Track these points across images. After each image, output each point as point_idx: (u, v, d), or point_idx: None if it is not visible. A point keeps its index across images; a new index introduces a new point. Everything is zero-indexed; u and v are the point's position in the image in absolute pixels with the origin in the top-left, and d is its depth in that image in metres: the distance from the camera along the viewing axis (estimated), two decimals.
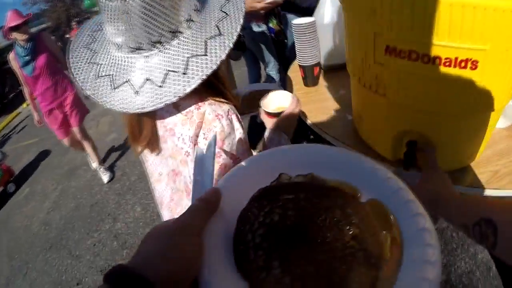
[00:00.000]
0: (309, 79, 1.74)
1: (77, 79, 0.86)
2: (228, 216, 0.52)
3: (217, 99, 0.94)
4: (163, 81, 0.81)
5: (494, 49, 0.73)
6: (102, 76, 0.85)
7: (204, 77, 0.79)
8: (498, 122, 1.20)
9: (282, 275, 0.45)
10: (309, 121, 1.46)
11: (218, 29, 0.84)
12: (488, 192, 1.02)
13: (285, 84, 4.63)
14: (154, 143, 0.97)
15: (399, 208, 0.52)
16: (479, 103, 0.86)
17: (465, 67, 0.77)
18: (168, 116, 0.94)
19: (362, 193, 0.56)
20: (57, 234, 3.50)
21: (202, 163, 0.60)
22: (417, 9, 0.75)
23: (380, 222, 0.52)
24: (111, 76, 0.85)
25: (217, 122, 0.89)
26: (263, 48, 3.48)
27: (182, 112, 0.92)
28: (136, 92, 0.82)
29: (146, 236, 0.43)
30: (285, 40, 3.31)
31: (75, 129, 3.85)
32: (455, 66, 0.78)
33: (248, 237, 0.49)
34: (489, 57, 0.74)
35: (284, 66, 4.12)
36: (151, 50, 0.82)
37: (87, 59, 0.89)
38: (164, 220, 1.08)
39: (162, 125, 0.95)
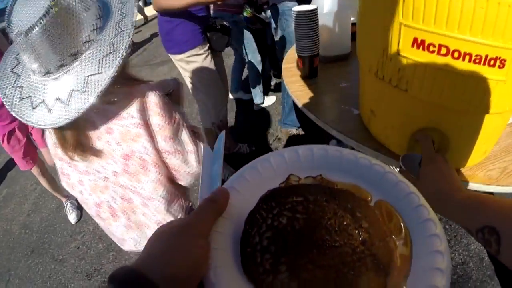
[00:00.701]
0: (309, 70, 1.71)
1: (5, 103, 1.03)
2: (235, 217, 0.53)
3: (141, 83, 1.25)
4: (68, 99, 0.99)
5: None
6: (24, 98, 1.03)
7: (99, 93, 0.98)
8: None
9: (289, 280, 0.46)
10: (312, 116, 1.44)
11: (113, 46, 1.01)
12: (498, 189, 1.05)
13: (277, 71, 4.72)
14: (79, 149, 1.17)
15: (410, 213, 0.53)
16: (504, 102, 0.87)
17: (493, 65, 0.77)
18: (103, 116, 1.16)
19: (372, 196, 0.58)
20: (38, 238, 3.43)
21: (209, 163, 0.61)
22: (453, 2, 0.74)
23: (389, 227, 0.53)
24: (30, 97, 1.02)
25: (151, 94, 1.20)
26: (239, 37, 3.63)
27: (119, 103, 1.15)
28: (50, 110, 1.00)
29: (151, 236, 0.44)
30: (269, 29, 3.41)
31: (45, 150, 3.14)
32: (484, 64, 0.78)
33: (256, 240, 0.50)
34: None
35: (269, 55, 4.23)
36: (58, 73, 0.99)
37: (13, 82, 1.06)
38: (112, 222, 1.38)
39: (100, 126, 1.17)
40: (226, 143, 2.64)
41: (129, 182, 1.28)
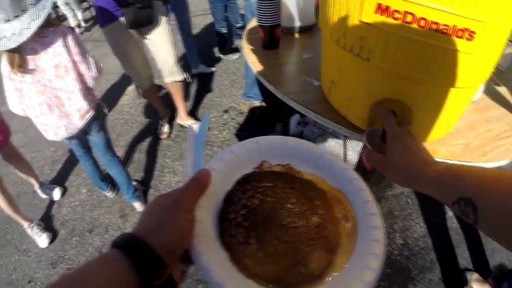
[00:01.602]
0: (270, 41, 1.69)
1: None
2: (215, 196, 0.65)
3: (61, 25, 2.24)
4: (20, 33, 1.87)
5: (493, 23, 0.75)
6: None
7: (36, 29, 1.89)
8: None
9: (257, 250, 0.60)
10: (271, 87, 1.43)
11: (44, 5, 1.94)
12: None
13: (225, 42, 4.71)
14: (23, 66, 2.04)
15: (360, 207, 0.69)
16: (471, 76, 0.88)
17: (461, 36, 0.77)
18: (41, 44, 2.08)
19: (331, 186, 0.73)
20: (0, 228, 3.36)
21: (194, 144, 0.72)
22: None
23: (342, 214, 0.68)
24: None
25: (68, 30, 2.19)
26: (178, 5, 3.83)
27: (50, 36, 2.10)
28: (8, 40, 1.86)
29: (146, 208, 0.55)
30: None
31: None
32: (451, 35, 0.78)
33: (232, 216, 0.64)
34: (486, 30, 0.76)
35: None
36: (14, 20, 1.86)
37: None
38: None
39: (39, 51, 2.09)
40: (159, 111, 3.36)
41: (58, 83, 2.20)
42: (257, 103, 3.90)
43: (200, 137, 0.72)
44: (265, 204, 0.66)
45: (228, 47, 5.24)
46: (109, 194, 3.20)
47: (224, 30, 4.81)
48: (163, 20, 2.96)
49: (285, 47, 1.74)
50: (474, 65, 0.85)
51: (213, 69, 4.76)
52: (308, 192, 0.71)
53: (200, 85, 4.51)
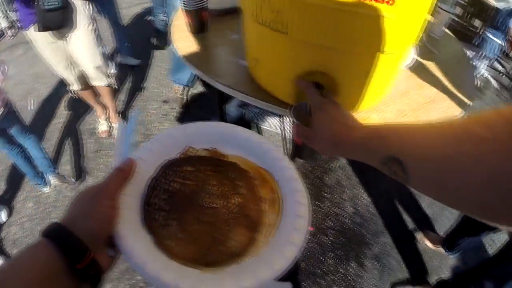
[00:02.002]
0: (196, 25, 1.65)
1: None
2: (140, 182, 0.69)
3: None
4: None
5: None
6: None
7: None
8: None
9: (178, 232, 0.64)
10: (197, 71, 1.40)
11: None
12: None
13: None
14: None
15: (285, 184, 0.74)
16: (395, 42, 0.87)
17: (381, 1, 0.76)
18: None
19: (258, 167, 0.78)
20: None
21: (123, 135, 0.75)
22: None
23: (265, 193, 0.73)
24: None
25: None
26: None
27: None
28: None
29: (73, 200, 0.58)
30: None
31: None
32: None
33: (155, 201, 0.67)
34: None
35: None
36: None
37: None
38: None
39: None
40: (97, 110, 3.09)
41: None
42: (180, 88, 3.90)
43: (129, 132, 0.75)
44: (185, 188, 0.70)
45: (166, 37, 5.18)
46: (46, 189, 3.11)
47: (162, 19, 4.75)
48: (83, 22, 2.70)
49: (213, 30, 1.72)
50: (397, 31, 0.85)
51: (139, 61, 4.67)
52: (231, 173, 0.75)
53: (138, 77, 4.43)
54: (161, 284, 0.55)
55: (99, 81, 3.08)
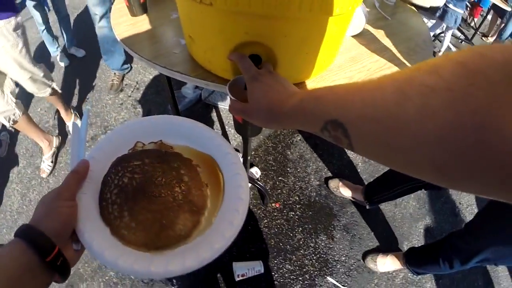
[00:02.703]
0: (135, 7, 1.62)
1: None
2: (96, 180, 0.78)
3: None
4: None
5: None
6: None
7: None
8: (350, 30, 1.41)
9: (130, 221, 0.73)
10: (135, 55, 1.38)
11: None
12: None
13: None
14: None
15: (227, 168, 0.84)
16: (328, 4, 0.85)
17: None
18: None
19: (202, 154, 0.87)
20: None
21: (77, 136, 0.83)
22: None
23: (209, 178, 0.83)
24: None
25: None
26: None
27: None
28: None
29: (38, 203, 0.67)
30: None
31: None
32: None
33: (107, 196, 0.77)
34: None
35: None
36: None
37: None
38: None
39: None
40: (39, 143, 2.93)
41: None
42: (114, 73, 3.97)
43: (82, 131, 0.84)
44: (133, 181, 0.79)
45: None
46: None
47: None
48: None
49: (154, 11, 1.69)
50: None
51: (83, 52, 4.60)
52: (174, 163, 0.84)
53: (90, 67, 4.38)
54: (119, 268, 0.65)
55: (39, 92, 2.92)
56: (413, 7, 1.87)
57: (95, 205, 0.75)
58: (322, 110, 0.54)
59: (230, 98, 0.90)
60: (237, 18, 0.91)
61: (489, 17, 6.59)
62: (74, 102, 3.71)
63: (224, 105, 3.53)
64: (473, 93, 0.31)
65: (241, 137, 3.20)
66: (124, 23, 1.59)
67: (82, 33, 4.69)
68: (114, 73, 3.89)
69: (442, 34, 5.25)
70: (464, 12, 4.98)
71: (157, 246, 0.71)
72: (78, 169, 0.74)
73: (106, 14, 3.23)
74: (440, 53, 5.13)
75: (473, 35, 6.03)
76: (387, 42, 1.50)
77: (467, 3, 4.75)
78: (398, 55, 1.40)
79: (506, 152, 0.29)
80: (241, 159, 0.90)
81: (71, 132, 0.85)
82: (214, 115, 3.51)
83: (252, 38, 0.96)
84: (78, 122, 3.20)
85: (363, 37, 1.50)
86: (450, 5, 4.55)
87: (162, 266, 0.66)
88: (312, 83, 1.17)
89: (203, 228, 0.75)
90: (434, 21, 5.25)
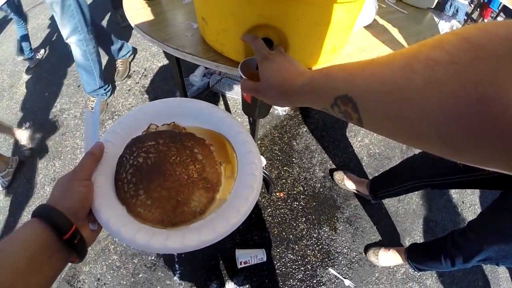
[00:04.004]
0: None
1: None
2: (111, 162, 0.80)
3: None
4: None
5: None
6: None
7: None
8: (360, 21, 1.42)
9: (146, 199, 0.76)
10: (147, 37, 1.41)
11: None
12: None
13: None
14: None
15: (240, 147, 0.86)
16: None
17: None
18: None
19: (215, 133, 0.90)
20: None
21: (90, 121, 0.85)
22: None
23: (222, 156, 0.86)
24: None
25: None
26: None
27: None
28: None
29: (55, 184, 0.70)
30: None
31: None
32: None
33: (123, 176, 0.79)
34: None
35: None
36: None
37: None
38: None
39: None
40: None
41: None
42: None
43: (95, 116, 0.85)
44: (148, 160, 0.82)
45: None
46: None
47: None
48: None
49: None
50: None
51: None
52: (188, 142, 0.87)
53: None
54: (136, 245, 0.67)
55: None
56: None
57: (110, 185, 0.77)
58: (332, 86, 0.55)
59: (241, 77, 0.90)
60: (252, 0, 0.93)
61: (499, 18, 6.54)
62: (77, 89, 3.76)
63: (231, 94, 3.54)
64: (477, 66, 0.32)
65: (247, 125, 3.25)
66: (136, 7, 1.61)
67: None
68: (117, 60, 3.88)
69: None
70: (469, 5, 4.92)
71: (173, 222, 0.73)
72: (93, 150, 0.76)
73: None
74: None
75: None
76: (396, 34, 1.52)
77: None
78: (405, 47, 1.39)
79: (508, 120, 0.30)
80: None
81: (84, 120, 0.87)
82: (221, 103, 3.52)
83: (265, 21, 0.98)
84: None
85: (373, 28, 1.52)
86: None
87: (179, 241, 0.68)
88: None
89: (217, 205, 0.78)
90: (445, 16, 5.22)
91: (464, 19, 4.75)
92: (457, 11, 4.62)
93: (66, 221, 0.62)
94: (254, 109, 1.08)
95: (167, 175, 0.80)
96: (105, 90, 3.38)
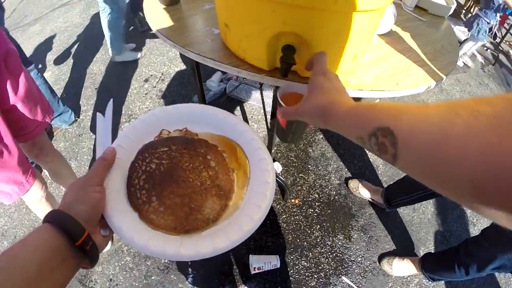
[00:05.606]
0: None
1: None
2: (123, 167, 0.79)
3: None
4: None
5: None
6: None
7: None
8: (379, 29, 1.41)
9: (158, 206, 0.74)
10: (169, 42, 1.41)
11: None
12: (372, 94, 1.17)
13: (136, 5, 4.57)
14: None
15: (253, 154, 0.85)
16: None
17: None
18: None
19: (227, 140, 0.88)
20: None
21: (102, 126, 0.85)
22: None
23: (234, 163, 0.85)
24: None
25: None
26: None
27: None
28: None
29: (66, 190, 0.69)
30: None
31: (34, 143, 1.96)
32: None
33: (135, 182, 0.78)
34: None
35: None
36: None
37: None
38: None
39: None
40: None
41: None
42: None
43: (107, 121, 0.85)
44: (161, 167, 0.81)
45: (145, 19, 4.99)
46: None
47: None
48: None
49: (186, 2, 1.75)
50: None
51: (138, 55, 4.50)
52: (201, 149, 0.86)
53: (117, 62, 4.41)
54: (149, 251, 0.66)
55: None
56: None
57: (122, 191, 0.76)
58: (376, 116, 0.55)
59: (279, 105, 0.93)
60: (277, 7, 0.93)
61: None
62: (94, 91, 3.79)
63: (247, 100, 3.53)
64: None
65: (264, 131, 3.24)
66: (157, 12, 1.63)
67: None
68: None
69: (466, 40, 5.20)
70: (496, 23, 4.89)
71: (186, 229, 0.72)
72: (105, 156, 0.76)
73: None
74: (462, 60, 5.07)
75: (500, 43, 5.92)
76: (412, 43, 1.51)
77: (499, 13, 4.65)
78: (423, 56, 1.41)
79: None
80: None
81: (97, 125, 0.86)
82: (238, 109, 3.52)
83: (289, 29, 0.97)
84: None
85: (390, 36, 1.51)
86: (481, 14, 4.48)
87: (192, 248, 0.66)
88: (341, 77, 1.13)
89: (230, 212, 0.76)
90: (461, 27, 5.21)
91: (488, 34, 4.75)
92: (478, 32, 4.60)
93: (79, 227, 0.61)
94: (287, 134, 1.07)
95: (180, 181, 0.78)
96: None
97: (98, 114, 0.87)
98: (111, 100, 0.90)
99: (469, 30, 4.73)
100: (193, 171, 0.81)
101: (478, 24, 4.57)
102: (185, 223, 0.73)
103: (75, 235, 0.60)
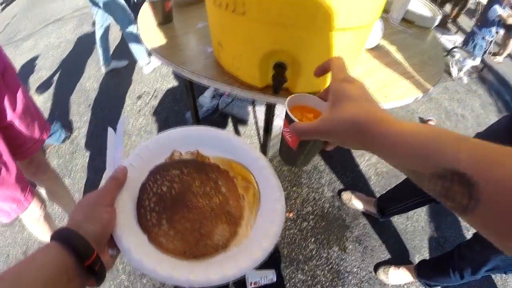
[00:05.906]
0: (161, 16, 1.70)
1: None
2: (133, 187, 0.79)
3: None
4: None
5: None
6: None
7: None
8: (367, 44, 1.43)
9: (168, 229, 0.75)
10: (164, 60, 1.43)
11: None
12: None
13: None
14: None
15: (263, 181, 0.86)
16: (348, 17, 0.92)
17: None
18: None
19: (238, 165, 0.89)
20: None
21: (112, 143, 0.84)
22: None
23: (244, 188, 0.85)
24: None
25: None
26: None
27: None
28: None
29: (75, 208, 0.68)
30: None
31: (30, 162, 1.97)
32: None
33: (146, 203, 0.78)
34: None
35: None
36: None
37: None
38: None
39: None
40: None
41: None
42: None
43: (118, 138, 0.85)
44: (172, 190, 0.81)
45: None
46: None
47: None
48: None
49: (179, 21, 1.79)
50: (352, 7, 0.90)
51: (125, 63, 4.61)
52: (212, 173, 0.86)
53: (110, 75, 4.43)
54: (157, 275, 0.66)
55: None
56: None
57: (132, 211, 0.76)
58: (440, 153, 0.42)
59: (287, 121, 0.70)
60: (267, 27, 0.97)
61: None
62: (87, 108, 3.78)
63: (240, 116, 3.55)
64: None
65: (259, 144, 3.25)
66: (151, 31, 1.65)
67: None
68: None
69: (455, 49, 5.25)
70: (493, 39, 4.97)
71: (195, 255, 0.72)
72: (117, 175, 0.75)
73: None
74: (458, 73, 5.13)
75: (483, 53, 5.98)
76: (399, 55, 1.55)
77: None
78: (410, 68, 1.44)
79: None
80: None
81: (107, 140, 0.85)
82: (230, 124, 3.53)
83: (279, 47, 1.01)
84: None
85: (378, 50, 1.54)
86: (476, 30, 4.59)
87: (202, 275, 0.66)
88: None
89: (239, 239, 0.77)
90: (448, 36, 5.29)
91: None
92: (474, 47, 4.69)
93: (88, 247, 0.61)
94: (297, 157, 0.78)
95: (191, 206, 0.79)
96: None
97: (110, 130, 0.86)
98: (124, 116, 0.89)
99: (466, 46, 4.82)
100: (204, 196, 0.81)
101: (473, 40, 4.66)
102: (194, 248, 0.73)
103: (85, 254, 0.60)
